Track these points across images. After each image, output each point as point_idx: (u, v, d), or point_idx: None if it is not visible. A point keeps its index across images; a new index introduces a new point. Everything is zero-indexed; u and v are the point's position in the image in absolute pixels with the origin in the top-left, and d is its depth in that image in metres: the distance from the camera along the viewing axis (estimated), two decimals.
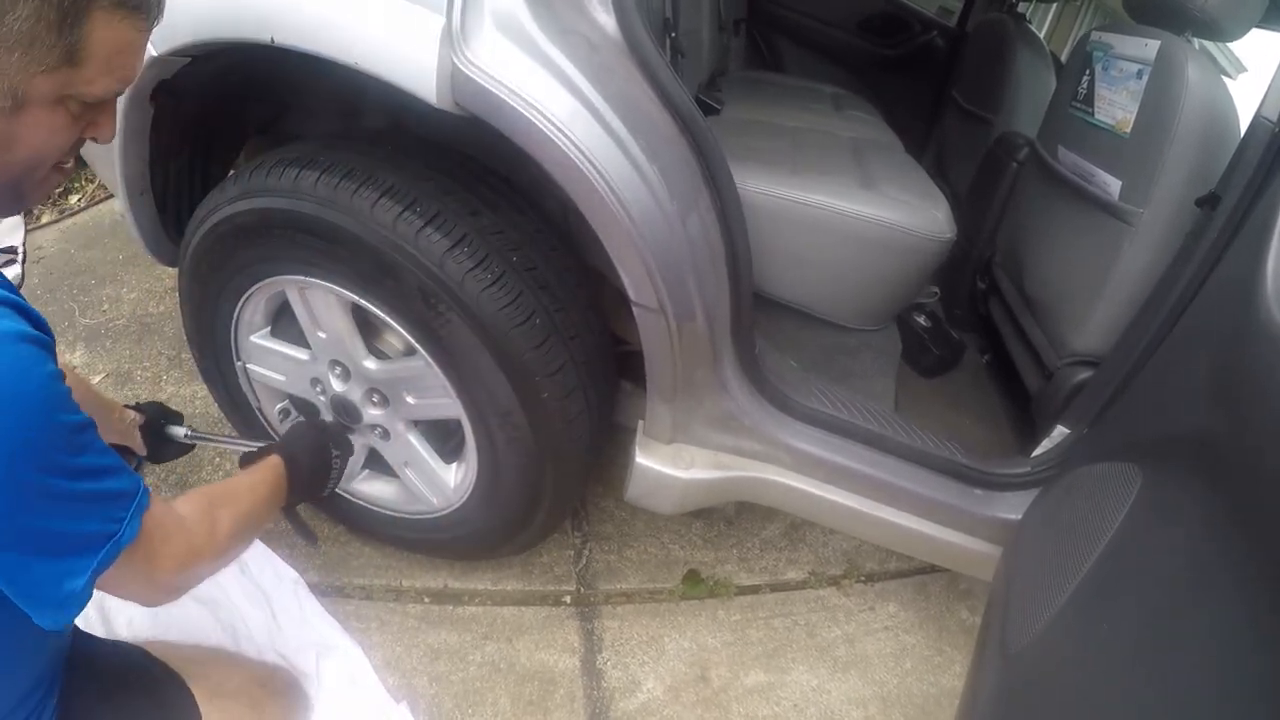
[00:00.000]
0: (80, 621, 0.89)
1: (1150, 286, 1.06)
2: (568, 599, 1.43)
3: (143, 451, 1.16)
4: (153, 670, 0.95)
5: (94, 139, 0.68)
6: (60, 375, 0.62)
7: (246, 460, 1.01)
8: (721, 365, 1.12)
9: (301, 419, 1.29)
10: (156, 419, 1.16)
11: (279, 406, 1.33)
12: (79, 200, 2.47)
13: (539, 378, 1.04)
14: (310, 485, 1.05)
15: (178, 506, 0.78)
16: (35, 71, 0.57)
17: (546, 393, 1.06)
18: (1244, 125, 0.96)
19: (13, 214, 0.82)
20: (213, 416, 1.63)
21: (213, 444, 1.18)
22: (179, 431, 1.17)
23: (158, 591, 0.75)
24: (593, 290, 1.16)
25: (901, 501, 1.21)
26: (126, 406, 1.15)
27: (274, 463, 0.98)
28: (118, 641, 1.01)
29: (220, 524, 0.81)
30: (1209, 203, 0.97)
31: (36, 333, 0.60)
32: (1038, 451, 1.18)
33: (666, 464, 1.18)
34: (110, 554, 0.66)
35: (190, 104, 1.15)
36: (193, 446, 1.21)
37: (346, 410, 1.23)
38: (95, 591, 0.67)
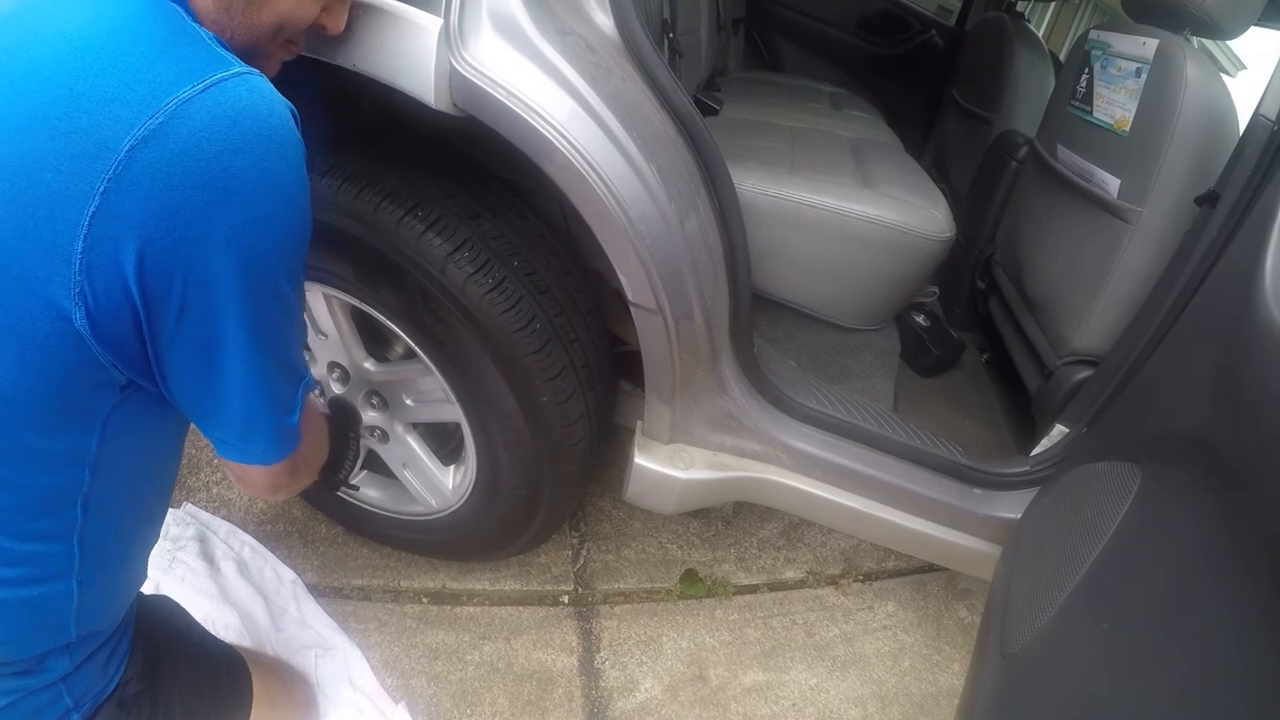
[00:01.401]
0: None
1: (1149, 285, 1.06)
2: (565, 599, 1.43)
3: None
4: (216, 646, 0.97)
5: (324, 28, 0.76)
6: None
7: None
8: (720, 365, 1.12)
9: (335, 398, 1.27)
10: None
11: None
12: None
13: (538, 382, 1.04)
14: (333, 459, 1.03)
15: None
16: None
17: (546, 396, 1.06)
18: (1243, 123, 0.96)
19: None
20: None
21: None
22: None
23: (283, 476, 0.75)
24: (592, 294, 1.16)
25: (900, 501, 1.20)
26: None
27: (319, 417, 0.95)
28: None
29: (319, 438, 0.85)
30: (1208, 201, 0.97)
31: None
32: (1037, 450, 1.18)
33: (665, 464, 1.18)
34: (302, 397, 0.71)
35: None
36: None
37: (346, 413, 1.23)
38: None
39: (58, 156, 0.53)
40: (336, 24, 0.76)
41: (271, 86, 0.60)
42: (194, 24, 0.60)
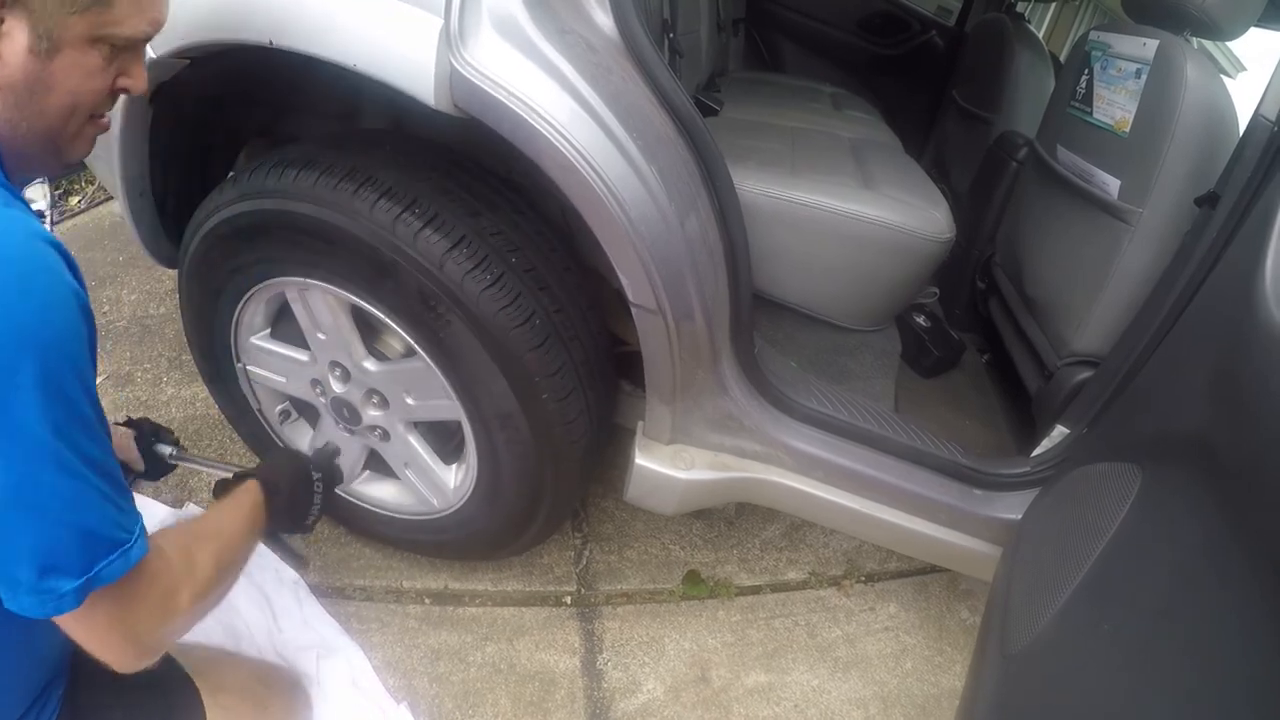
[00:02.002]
0: None
1: (1150, 286, 1.06)
2: (568, 600, 1.43)
3: (140, 468, 1.10)
4: (161, 666, 0.94)
5: (126, 90, 0.69)
6: (88, 336, 0.61)
7: (221, 489, 0.95)
8: (721, 366, 1.12)
9: (287, 447, 1.24)
10: (148, 435, 1.10)
11: (279, 408, 1.34)
12: (79, 202, 2.47)
13: (538, 379, 1.04)
14: (291, 514, 0.99)
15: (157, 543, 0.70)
16: (69, 12, 0.60)
17: (546, 394, 1.06)
18: (1243, 124, 0.96)
19: (54, 173, 0.81)
20: (213, 418, 1.63)
21: (195, 466, 1.12)
22: (165, 450, 1.11)
23: (132, 644, 0.67)
24: (592, 291, 1.16)
25: (901, 502, 1.20)
26: (116, 423, 1.08)
27: (251, 489, 0.91)
28: None
29: (199, 565, 0.73)
30: (1208, 202, 0.97)
31: (76, 285, 0.59)
32: (1037, 451, 1.18)
33: (666, 465, 1.18)
34: (112, 568, 0.60)
35: (190, 106, 1.15)
36: (175, 467, 1.14)
37: (347, 412, 1.23)
38: None
39: None
40: (138, 83, 0.69)
41: (28, 221, 0.56)
42: None
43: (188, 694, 0.92)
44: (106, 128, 0.70)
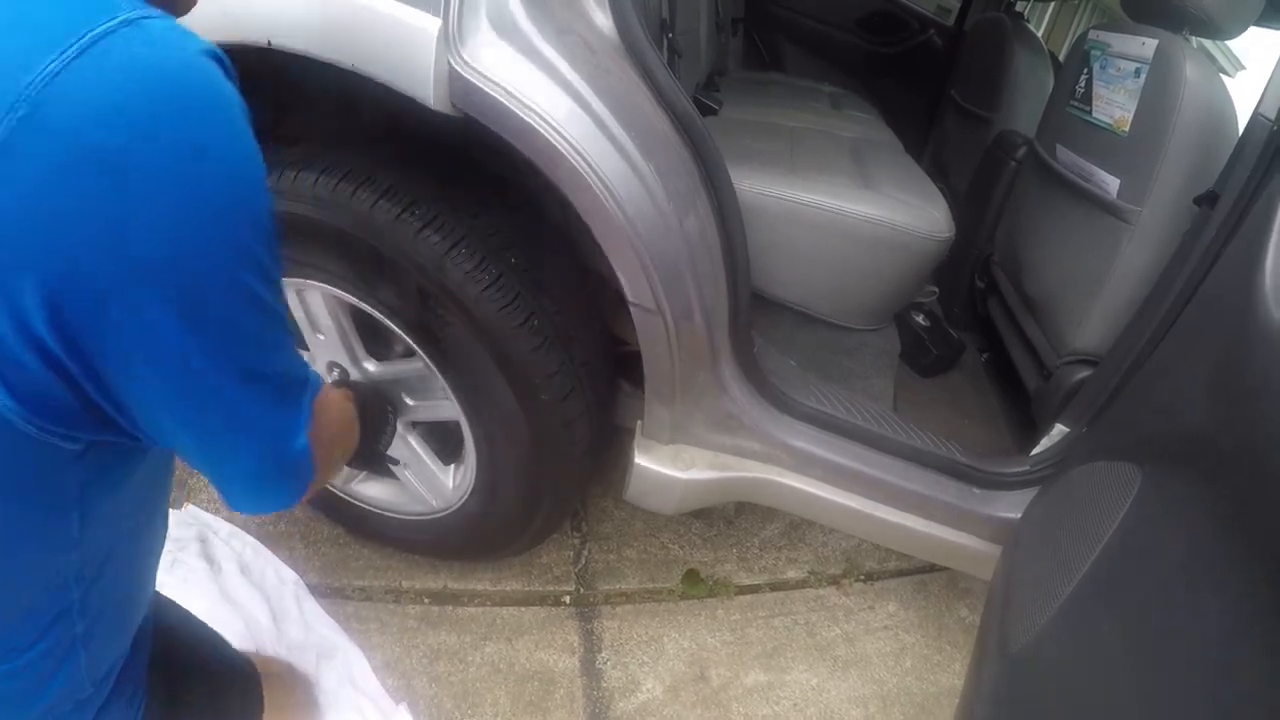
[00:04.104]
0: None
1: (1149, 285, 1.06)
2: (567, 599, 1.43)
3: None
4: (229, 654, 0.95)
5: None
6: None
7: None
8: (720, 365, 1.12)
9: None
10: None
11: None
12: None
13: (537, 379, 1.04)
14: (371, 434, 1.00)
15: None
16: None
17: (545, 394, 1.06)
18: (1242, 123, 0.96)
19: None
20: None
21: None
22: None
23: (328, 469, 0.64)
24: (591, 292, 1.16)
25: (901, 501, 1.21)
26: None
27: (348, 396, 0.87)
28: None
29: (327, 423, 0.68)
30: (1207, 201, 0.97)
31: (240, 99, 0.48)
32: (1037, 450, 1.18)
33: (666, 464, 1.18)
34: (308, 408, 0.56)
35: None
36: None
37: None
38: None
39: None
40: None
41: (181, 28, 0.44)
42: None
43: (250, 683, 0.94)
44: None
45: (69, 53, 0.38)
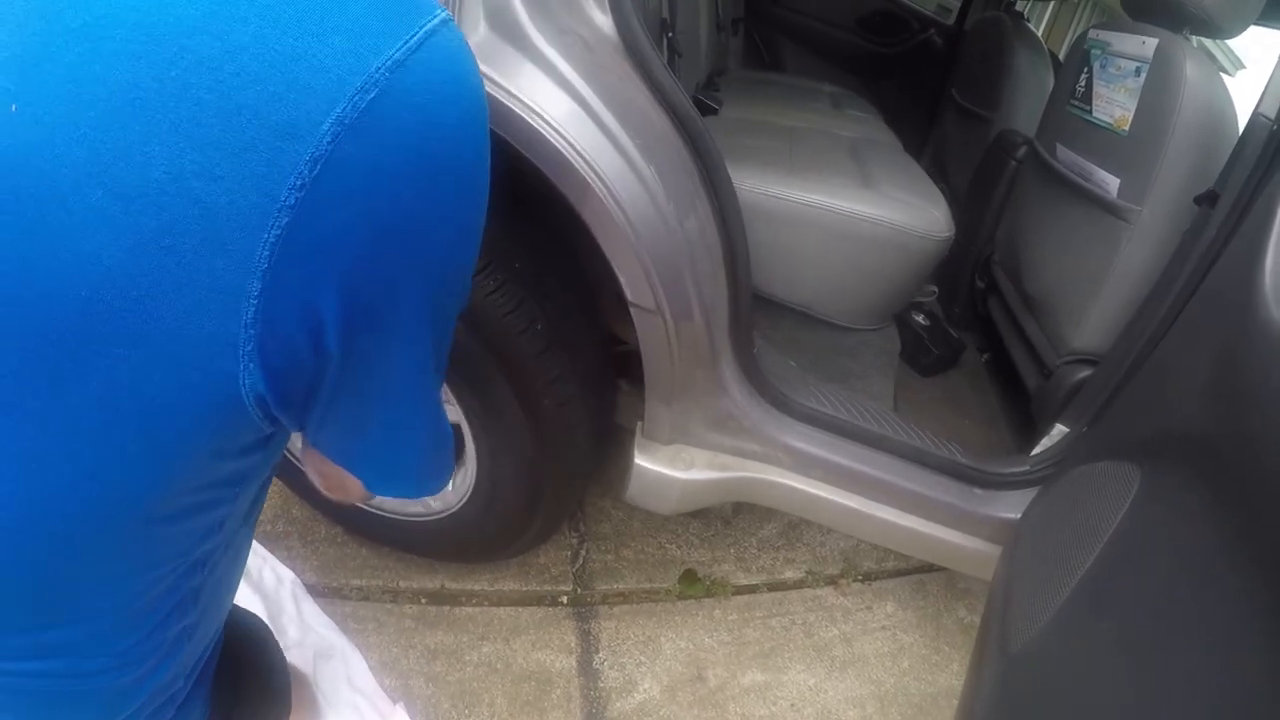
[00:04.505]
0: None
1: (1149, 284, 1.05)
2: (564, 599, 1.43)
3: None
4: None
5: None
6: None
7: None
8: (720, 365, 1.12)
9: None
10: None
11: None
12: None
13: (538, 385, 1.04)
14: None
15: None
16: None
17: (546, 399, 1.06)
18: (1242, 122, 0.96)
19: None
20: None
21: None
22: None
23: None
24: (592, 296, 1.16)
25: (900, 501, 1.20)
26: None
27: None
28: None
29: None
30: (1207, 200, 0.97)
31: None
32: (1037, 450, 1.18)
33: (665, 464, 1.17)
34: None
35: None
36: None
37: None
38: None
39: (209, 152, 0.35)
40: None
41: None
42: None
43: (286, 695, 0.92)
44: None
45: (410, 42, 0.38)
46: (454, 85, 0.40)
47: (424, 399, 0.52)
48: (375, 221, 0.39)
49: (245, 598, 1.26)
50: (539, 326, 1.02)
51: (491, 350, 1.01)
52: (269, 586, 1.31)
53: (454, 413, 1.12)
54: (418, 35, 0.38)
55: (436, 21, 0.40)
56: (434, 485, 0.59)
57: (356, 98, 0.36)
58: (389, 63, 0.37)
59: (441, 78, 0.39)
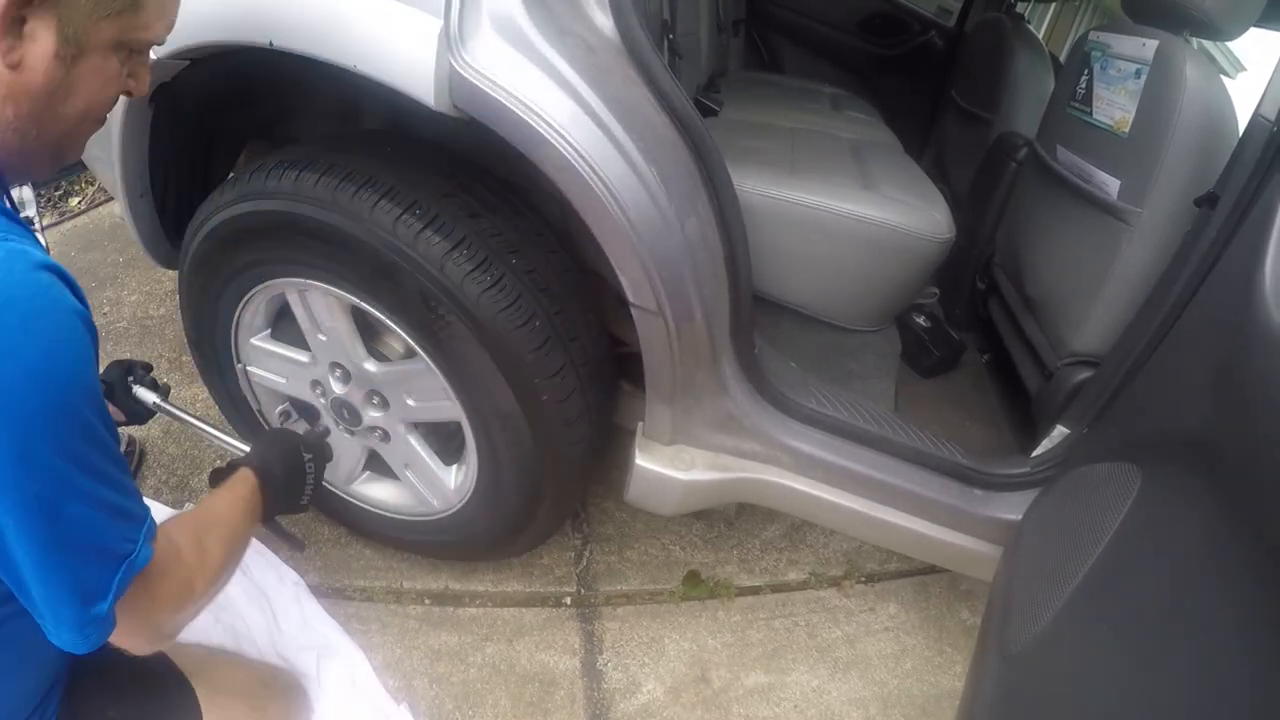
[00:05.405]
0: None
1: (1149, 286, 1.06)
2: (568, 600, 1.43)
3: (123, 418, 1.09)
4: (157, 668, 0.94)
5: (129, 93, 0.68)
6: (94, 355, 0.60)
7: (216, 478, 0.96)
8: (721, 366, 1.12)
9: (275, 428, 1.25)
10: (121, 378, 1.08)
11: (279, 409, 1.34)
12: (79, 203, 2.47)
13: (538, 380, 1.04)
14: (287, 495, 0.99)
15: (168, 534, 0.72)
16: (101, 16, 0.59)
17: (546, 395, 1.06)
18: (1242, 124, 0.96)
19: (46, 177, 0.81)
20: (214, 419, 1.63)
21: (177, 416, 1.11)
22: (148, 398, 1.08)
23: (152, 633, 0.70)
24: (592, 292, 1.16)
25: (902, 502, 1.20)
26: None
27: (246, 476, 0.92)
28: None
29: (210, 552, 0.76)
30: (1208, 202, 0.97)
31: (79, 306, 0.58)
32: (1038, 452, 1.18)
33: (666, 465, 1.18)
34: (126, 577, 0.62)
35: (190, 107, 1.15)
36: (154, 414, 1.11)
37: (347, 413, 1.23)
38: None
39: None
40: (142, 86, 0.69)
41: (22, 249, 0.55)
42: None
43: (185, 696, 0.92)
44: (100, 126, 0.69)
45: None
46: None
47: (40, 563, 0.57)
48: None
49: (249, 599, 1.27)
50: (537, 322, 1.03)
51: (490, 346, 1.02)
52: (272, 587, 1.31)
53: (453, 409, 1.13)
54: None
55: None
56: (79, 641, 0.61)
57: None
58: None
59: None
